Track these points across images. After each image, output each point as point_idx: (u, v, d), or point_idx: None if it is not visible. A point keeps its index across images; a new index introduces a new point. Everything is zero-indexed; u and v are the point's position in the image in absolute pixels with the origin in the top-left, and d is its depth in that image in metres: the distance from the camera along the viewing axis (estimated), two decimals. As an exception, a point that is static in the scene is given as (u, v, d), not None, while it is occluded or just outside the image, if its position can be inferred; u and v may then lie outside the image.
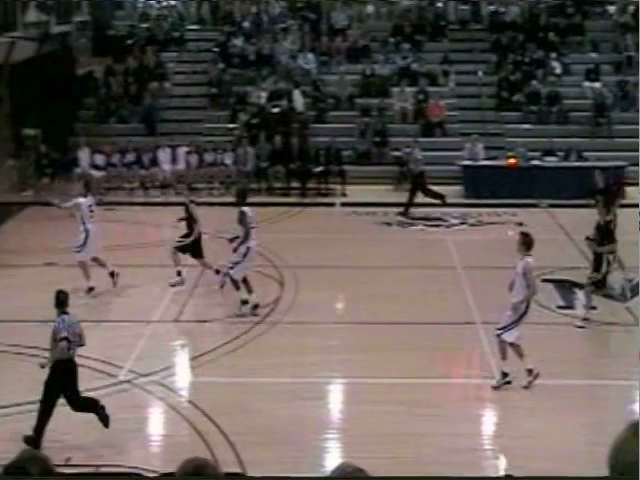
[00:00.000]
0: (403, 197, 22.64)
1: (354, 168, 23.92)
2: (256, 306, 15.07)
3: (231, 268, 15.01)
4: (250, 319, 14.72)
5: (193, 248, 16.37)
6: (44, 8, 25.65)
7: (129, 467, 10.20)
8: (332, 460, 10.61)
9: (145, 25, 29.64)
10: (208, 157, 24.01)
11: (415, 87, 26.56)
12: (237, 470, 9.95)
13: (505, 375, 12.22)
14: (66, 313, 10.92)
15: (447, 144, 25.03)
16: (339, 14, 29.61)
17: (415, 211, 21.70)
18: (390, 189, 23.07)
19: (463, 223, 21.01)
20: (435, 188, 22.81)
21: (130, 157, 24.04)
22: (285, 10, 30.11)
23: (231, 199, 22.56)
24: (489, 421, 11.93)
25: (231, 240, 15.37)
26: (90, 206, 16.18)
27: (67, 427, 11.10)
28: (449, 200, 22.54)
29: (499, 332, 12.16)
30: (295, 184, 23.45)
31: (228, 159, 24.00)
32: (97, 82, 27.24)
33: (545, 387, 12.08)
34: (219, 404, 11.72)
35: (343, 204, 22.20)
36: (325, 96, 26.51)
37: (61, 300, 10.97)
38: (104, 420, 10.86)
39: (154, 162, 23.98)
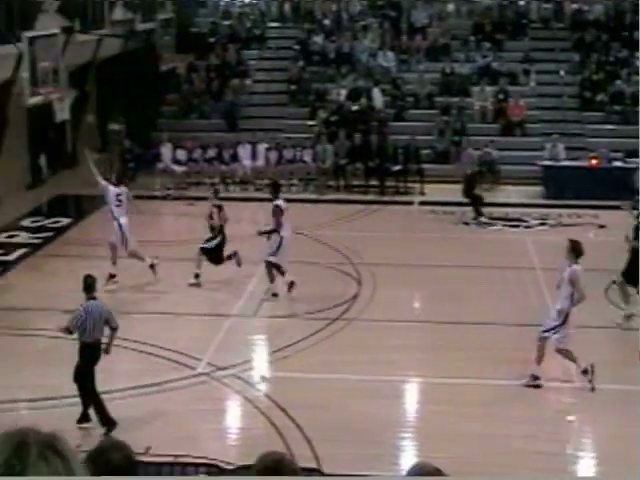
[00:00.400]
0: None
1: (433, 167, 23.84)
2: (275, 294, 15.62)
3: (271, 255, 15.53)
4: (326, 316, 14.81)
5: (214, 252, 16.34)
6: (130, 6, 26.16)
7: (206, 459, 10.37)
8: (407, 459, 10.64)
9: (227, 23, 29.98)
10: (287, 154, 24.19)
11: (495, 86, 26.33)
12: (313, 466, 10.05)
13: (536, 378, 12.16)
14: (94, 298, 11.11)
15: (527, 144, 24.77)
16: (419, 12, 29.50)
17: (494, 211, 21.52)
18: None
19: (543, 224, 20.77)
20: (509, 188, 22.67)
21: (211, 153, 24.36)
22: (365, 8, 30.13)
23: (310, 196, 22.92)
24: (570, 425, 11.80)
25: (263, 233, 15.87)
26: (118, 195, 16.25)
27: (146, 417, 11.36)
28: (529, 201, 22.33)
29: (543, 334, 12.11)
30: (373, 182, 23.46)
31: (307, 156, 24.14)
32: (180, 78, 27.66)
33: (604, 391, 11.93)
34: (295, 399, 11.82)
35: (421, 203, 22.15)
36: (404, 94, 26.47)
37: (89, 284, 11.14)
38: (84, 418, 10.90)
39: (234, 158, 24.26)
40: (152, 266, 16.27)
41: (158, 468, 10.03)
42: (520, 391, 12.15)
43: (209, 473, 10.21)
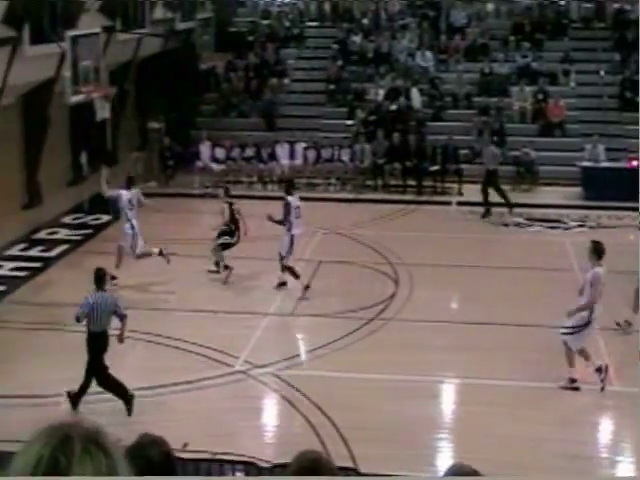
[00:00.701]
0: (521, 197, 22.42)
1: (471, 167, 23.75)
2: (283, 283, 16.04)
3: (283, 257, 15.85)
4: (363, 315, 14.82)
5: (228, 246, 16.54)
6: (170, 5, 26.37)
7: (244, 456, 10.43)
8: (443, 459, 10.65)
9: (266, 22, 30.10)
10: (325, 153, 24.23)
11: (534, 86, 26.17)
12: (349, 465, 10.09)
13: (573, 381, 12.13)
14: (103, 290, 11.54)
15: (567, 145, 24.59)
16: (458, 12, 29.40)
17: (532, 212, 21.42)
18: (508, 189, 22.78)
19: (582, 225, 20.62)
20: (548, 189, 22.54)
21: (249, 151, 24.47)
22: (404, 7, 30.09)
23: (348, 195, 22.95)
24: (600, 428, 11.74)
25: (273, 220, 16.05)
26: (130, 200, 16.42)
27: (184, 414, 11.46)
28: (567, 202, 22.19)
29: (562, 335, 12.11)
30: (411, 182, 23.44)
31: (345, 155, 24.16)
32: (218, 77, 27.81)
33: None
34: (332, 398, 11.85)
35: (459, 203, 22.08)
36: (443, 94, 26.40)
37: (99, 276, 11.58)
38: (73, 401, 11.38)
39: (272, 157, 24.35)
40: (161, 253, 16.35)
41: (196, 465, 10.12)
42: (556, 393, 12.09)
43: (246, 471, 10.28)
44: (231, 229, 16.52)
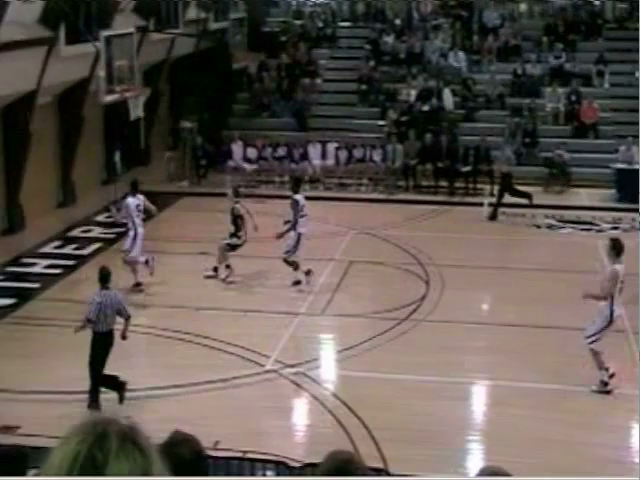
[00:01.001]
0: (553, 199, 22.31)
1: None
2: (298, 282, 16.09)
3: (287, 252, 16.02)
4: (394, 316, 14.83)
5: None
6: (204, 5, 26.49)
7: (274, 455, 10.47)
8: (474, 461, 10.63)
9: (299, 22, 30.15)
10: (357, 153, 24.23)
11: (568, 87, 25.99)
12: (379, 466, 10.10)
13: (605, 384, 12.08)
14: (107, 289, 11.61)
15: (600, 146, 24.41)
16: (491, 12, 29.27)
17: (565, 214, 21.30)
18: (539, 190, 22.69)
19: (615, 228, 20.44)
20: (580, 191, 22.37)
21: (281, 151, 24.53)
22: (437, 8, 30.00)
23: (379, 196, 22.94)
24: (632, 432, 11.63)
25: (281, 235, 16.25)
26: (138, 205, 16.25)
27: (215, 412, 11.53)
28: (601, 204, 22.04)
29: (587, 340, 12.06)
30: (443, 183, 23.38)
31: (377, 156, 24.14)
32: (251, 77, 27.90)
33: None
34: (362, 398, 11.87)
35: (491, 204, 21.99)
36: (475, 95, 26.31)
37: (104, 275, 11.69)
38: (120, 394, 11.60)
39: (304, 157, 24.39)
40: (147, 262, 16.18)
41: (227, 463, 10.18)
42: (588, 397, 12.02)
43: (277, 470, 10.32)
44: (238, 230, 16.55)
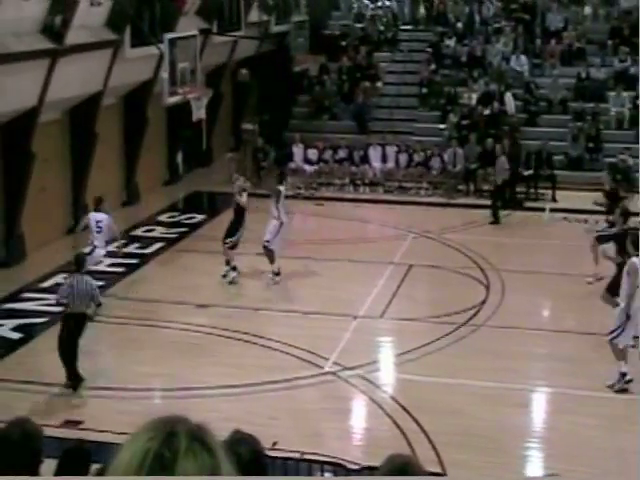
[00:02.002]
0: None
1: (565, 173, 23.41)
2: (277, 274, 16.43)
3: (267, 241, 16.32)
4: (453, 320, 14.77)
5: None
6: (266, 8, 26.67)
7: (332, 457, 10.51)
8: (533, 468, 10.56)
9: (359, 25, 30.16)
10: (417, 157, 24.17)
11: (632, 92, 25.60)
12: (437, 470, 10.07)
13: (624, 375, 12.08)
14: (81, 273, 12.24)
15: (666, 152, 24.00)
16: (554, 15, 28.96)
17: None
18: (602, 196, 22.36)
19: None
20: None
21: (341, 154, 24.55)
22: (499, 11, 29.77)
23: (439, 200, 22.83)
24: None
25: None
26: (99, 222, 15.91)
27: (274, 413, 11.61)
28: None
29: (610, 337, 12.06)
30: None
31: (437, 159, 24.04)
32: (312, 80, 28.00)
33: None
34: (420, 402, 11.85)
35: (553, 209, 21.77)
36: (537, 99, 26.06)
37: (79, 260, 12.53)
38: (72, 383, 12.14)
39: (364, 159, 24.38)
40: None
41: (284, 463, 10.24)
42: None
43: (334, 472, 10.35)
44: (235, 227, 16.63)
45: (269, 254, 16.45)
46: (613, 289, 13.46)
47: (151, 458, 1.74)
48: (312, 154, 24.62)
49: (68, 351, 12.06)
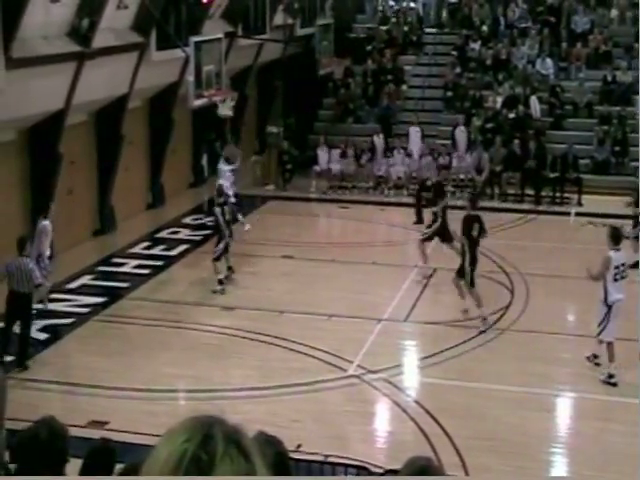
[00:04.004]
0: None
1: (591, 177, 23.28)
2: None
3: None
4: (478, 324, 14.71)
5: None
6: (291, 12, 26.72)
7: (356, 460, 10.52)
8: (556, 474, 10.52)
9: (384, 28, 30.15)
10: (442, 160, 24.09)
11: (660, 95, 25.45)
12: (461, 474, 10.06)
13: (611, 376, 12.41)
14: (22, 256, 12.96)
15: (692, 156, 23.82)
16: (580, 18, 28.81)
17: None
18: (629, 200, 22.22)
19: None
20: None
21: (366, 157, 24.54)
22: (524, 13, 29.64)
23: (465, 203, 22.69)
24: None
25: None
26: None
27: (298, 415, 11.63)
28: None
29: (596, 334, 12.58)
30: (529, 191, 23.08)
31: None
32: (336, 83, 28.03)
33: None
34: (444, 406, 11.84)
35: (578, 214, 21.64)
36: (563, 102, 25.94)
37: (21, 243, 13.08)
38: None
39: (389, 162, 24.36)
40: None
41: (308, 466, 10.26)
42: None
43: (358, 475, 10.36)
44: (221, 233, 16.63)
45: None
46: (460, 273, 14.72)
47: (188, 460, 1.72)
48: (336, 156, 24.50)
49: (8, 331, 12.94)
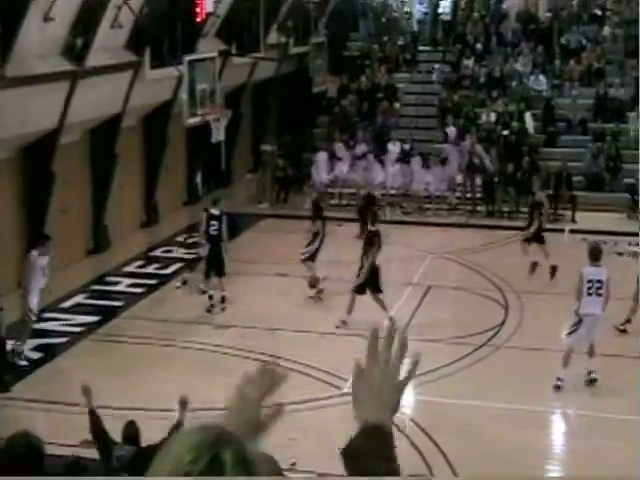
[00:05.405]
0: (636, 227, 21.84)
1: (585, 194, 23.32)
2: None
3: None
4: (472, 341, 14.70)
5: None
6: (285, 30, 26.82)
7: (349, 478, 10.44)
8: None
9: (378, 46, 30.22)
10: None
11: (653, 112, 25.52)
12: (456, 491, 10.03)
13: (590, 373, 12.82)
14: None
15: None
16: (573, 35, 28.95)
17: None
18: (622, 217, 22.29)
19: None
20: None
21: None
22: (517, 31, 29.77)
23: (458, 220, 22.78)
24: None
25: None
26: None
27: (292, 434, 11.56)
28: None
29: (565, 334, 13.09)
30: (523, 208, 23.06)
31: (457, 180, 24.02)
32: (331, 101, 28.09)
33: None
34: (439, 423, 11.83)
35: (572, 231, 21.66)
36: (556, 119, 26.02)
37: None
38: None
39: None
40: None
41: (303, 484, 10.21)
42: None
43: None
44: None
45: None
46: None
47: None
48: (332, 175, 24.50)
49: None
